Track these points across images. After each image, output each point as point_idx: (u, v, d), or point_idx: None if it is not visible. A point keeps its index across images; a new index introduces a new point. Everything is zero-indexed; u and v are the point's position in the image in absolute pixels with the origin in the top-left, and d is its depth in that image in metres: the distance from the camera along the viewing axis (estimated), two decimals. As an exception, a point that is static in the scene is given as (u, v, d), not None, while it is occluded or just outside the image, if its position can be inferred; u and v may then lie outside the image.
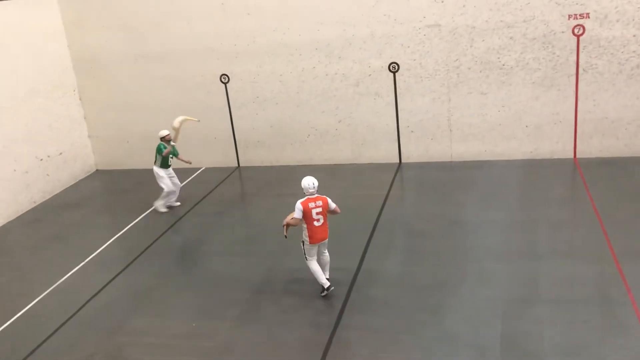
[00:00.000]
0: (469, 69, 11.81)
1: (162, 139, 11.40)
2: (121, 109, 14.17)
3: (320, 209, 7.81)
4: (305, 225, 7.84)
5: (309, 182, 7.88)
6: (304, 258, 8.06)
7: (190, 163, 12.06)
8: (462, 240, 9.18)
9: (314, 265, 7.98)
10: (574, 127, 11.70)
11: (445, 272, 8.32)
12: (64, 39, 13.93)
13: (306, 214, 7.75)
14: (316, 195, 7.89)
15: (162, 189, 11.49)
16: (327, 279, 8.07)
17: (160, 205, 11.67)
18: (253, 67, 12.99)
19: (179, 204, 11.88)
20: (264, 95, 13.14)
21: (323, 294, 7.99)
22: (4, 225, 12.03)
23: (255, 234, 10.43)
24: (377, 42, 12.12)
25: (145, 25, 13.35)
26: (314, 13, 12.25)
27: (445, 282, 8.10)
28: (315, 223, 7.80)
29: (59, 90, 13.78)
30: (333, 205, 7.98)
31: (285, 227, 8.03)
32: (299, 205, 7.74)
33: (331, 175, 12.50)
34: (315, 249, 7.94)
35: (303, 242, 7.98)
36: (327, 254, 8.17)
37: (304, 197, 7.84)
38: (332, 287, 8.02)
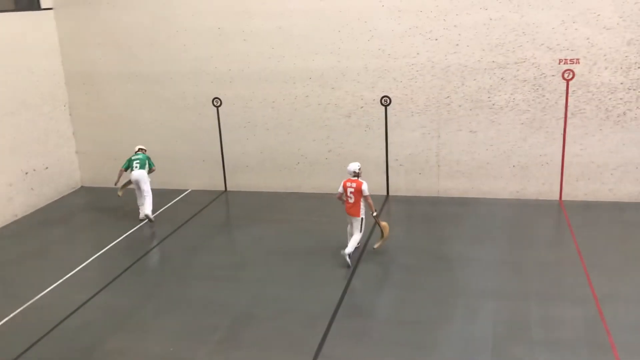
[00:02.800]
0: (460, 106, 11.97)
1: (142, 150, 12.30)
2: (111, 126, 14.13)
3: (352, 189, 9.47)
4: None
5: (351, 166, 9.71)
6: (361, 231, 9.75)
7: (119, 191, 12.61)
8: (448, 277, 9.17)
9: (348, 228, 9.84)
10: (560, 170, 11.85)
11: (431, 308, 8.29)
12: (59, 54, 13.94)
13: (344, 191, 9.56)
14: (354, 178, 9.52)
15: (146, 195, 11.88)
16: (349, 253, 9.49)
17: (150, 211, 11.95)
18: (246, 92, 13.05)
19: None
20: (256, 120, 13.18)
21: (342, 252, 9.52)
22: (-16, 238, 11.84)
23: (239, 260, 10.34)
24: (371, 75, 12.26)
25: (140, 45, 13.40)
26: (309, 43, 12.40)
27: (430, 318, 8.06)
28: (349, 199, 9.53)
29: (50, 105, 13.73)
30: (366, 192, 9.42)
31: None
32: (341, 183, 9.57)
33: (319, 204, 12.49)
34: (349, 220, 9.70)
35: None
36: (356, 233, 9.64)
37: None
38: (348, 257, 9.45)
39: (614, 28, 10.90)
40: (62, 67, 14.02)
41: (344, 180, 9.63)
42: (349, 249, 9.53)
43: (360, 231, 9.69)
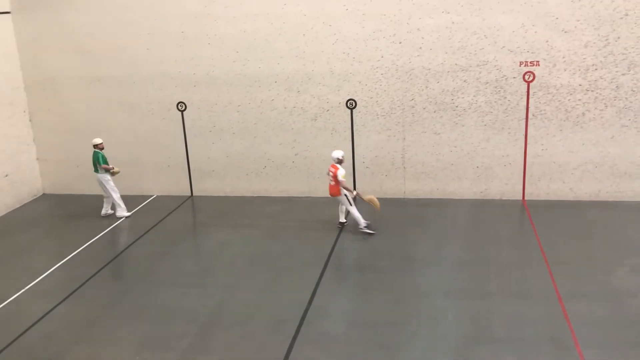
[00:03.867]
0: (424, 109, 12.10)
1: (96, 146, 12.25)
2: (73, 132, 13.86)
3: (332, 174, 10.84)
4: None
5: (334, 153, 10.93)
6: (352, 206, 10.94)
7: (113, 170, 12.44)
8: (414, 277, 9.25)
9: (339, 207, 11.27)
10: (523, 170, 12.07)
11: (397, 309, 8.35)
12: (17, 59, 13.62)
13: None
14: (334, 164, 10.83)
15: (111, 195, 12.27)
16: (365, 225, 10.88)
17: (122, 209, 12.39)
18: (211, 97, 12.96)
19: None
20: (221, 124, 13.10)
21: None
22: (-60, 248, 11.48)
23: (207, 266, 10.24)
24: (336, 79, 12.30)
25: (102, 49, 13.19)
26: (274, 47, 12.38)
27: (396, 319, 8.11)
28: (330, 182, 10.92)
29: (8, 111, 13.40)
30: (339, 178, 10.66)
31: None
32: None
33: (286, 208, 12.47)
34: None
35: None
36: (349, 209, 10.94)
37: None
38: (366, 229, 10.82)
39: (571, 31, 11.16)
40: (20, 72, 13.70)
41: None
42: (361, 225, 10.89)
43: (351, 205, 10.91)
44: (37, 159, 14.24)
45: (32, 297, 9.35)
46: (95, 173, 12.26)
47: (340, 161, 10.87)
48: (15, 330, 8.30)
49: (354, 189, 12.01)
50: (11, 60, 13.50)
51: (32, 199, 14.05)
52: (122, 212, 12.45)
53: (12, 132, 13.48)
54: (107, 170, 12.17)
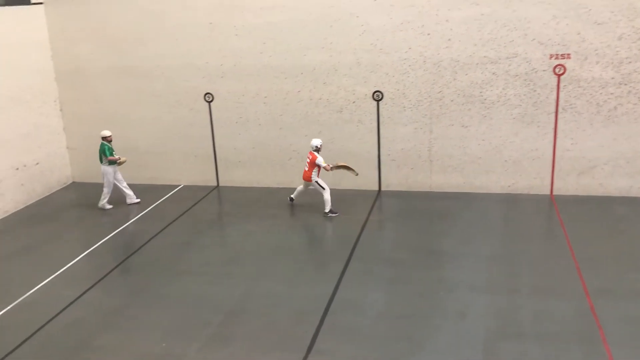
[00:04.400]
0: (452, 101, 11.97)
1: (104, 139, 12.45)
2: (101, 122, 14.02)
3: (308, 160, 11.66)
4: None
5: (313, 141, 11.67)
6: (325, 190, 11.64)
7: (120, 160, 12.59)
8: (439, 271, 9.18)
9: (300, 187, 12.12)
10: (551, 164, 11.88)
11: (422, 302, 8.30)
12: (49, 49, 13.84)
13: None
14: (312, 152, 11.55)
15: (104, 188, 12.57)
16: (328, 210, 11.61)
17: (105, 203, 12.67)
18: (238, 88, 13.00)
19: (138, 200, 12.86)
20: (248, 115, 13.14)
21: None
22: (-27, 234, 11.77)
23: (232, 256, 10.31)
24: (363, 70, 12.24)
25: (131, 40, 13.32)
26: (301, 38, 12.35)
27: (421, 312, 8.07)
28: (305, 167, 11.74)
29: (40, 100, 13.63)
30: (321, 164, 11.46)
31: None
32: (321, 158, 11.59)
33: (310, 200, 12.48)
34: (304, 184, 11.98)
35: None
36: (322, 193, 11.66)
37: None
38: (331, 213, 11.56)
39: (605, 23, 10.91)
40: (52, 62, 13.93)
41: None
42: (326, 208, 11.59)
43: (323, 189, 11.62)
44: (67, 147, 14.47)
45: (60, 284, 9.53)
46: (100, 164, 12.53)
47: (318, 149, 11.53)
48: (44, 316, 8.47)
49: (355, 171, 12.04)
50: (43, 51, 13.72)
51: (62, 187, 14.29)
52: (132, 199, 12.86)
53: (43, 122, 13.72)
54: (114, 162, 12.39)
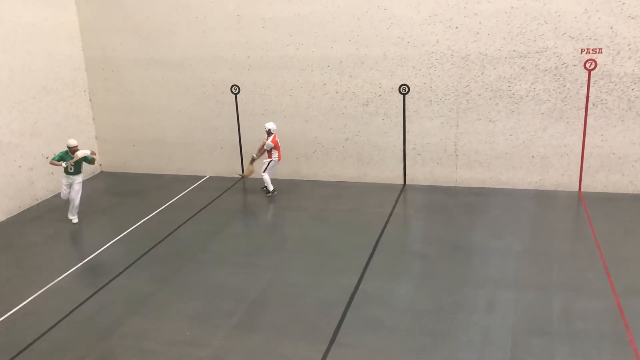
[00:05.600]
0: (479, 95, 11.85)
1: (70, 148, 11.22)
2: (130, 112, 14.24)
3: (261, 143, 12.59)
4: (276, 151, 12.46)
5: (266, 124, 12.38)
6: (265, 172, 12.47)
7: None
8: (464, 266, 9.13)
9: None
10: (580, 161, 11.71)
11: (446, 297, 8.27)
12: (79, 40, 14.05)
13: (276, 145, 12.41)
14: (267, 135, 12.36)
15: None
16: (266, 189, 12.62)
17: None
18: (264, 80, 13.06)
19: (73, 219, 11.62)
20: (273, 108, 13.19)
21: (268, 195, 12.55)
22: (5, 221, 12.02)
23: (256, 246, 10.39)
24: (389, 63, 12.18)
25: (160, 31, 13.45)
26: (327, 30, 12.34)
27: (446, 307, 8.04)
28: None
29: (70, 90, 13.86)
30: (264, 144, 12.34)
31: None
32: (270, 143, 12.28)
33: (335, 192, 12.50)
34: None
35: (271, 161, 12.49)
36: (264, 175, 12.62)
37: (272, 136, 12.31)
38: (268, 193, 12.56)
39: (639, 17, 10.69)
40: (82, 52, 14.14)
41: (272, 139, 12.30)
42: (267, 188, 12.61)
43: (264, 171, 12.48)
44: (96, 137, 14.69)
45: (89, 270, 9.72)
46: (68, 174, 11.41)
47: (268, 133, 12.27)
48: (72, 301, 8.65)
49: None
50: (74, 41, 13.93)
51: (90, 176, 14.52)
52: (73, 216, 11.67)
53: (73, 111, 13.95)
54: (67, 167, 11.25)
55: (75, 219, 11.66)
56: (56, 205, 12.70)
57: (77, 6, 13.90)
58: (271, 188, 12.52)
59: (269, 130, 12.26)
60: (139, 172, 14.40)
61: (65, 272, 9.59)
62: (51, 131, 13.26)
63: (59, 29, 13.47)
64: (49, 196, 13.20)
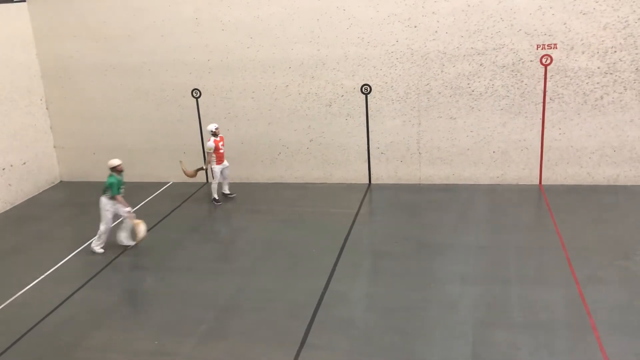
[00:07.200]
0: (440, 93, 12.00)
1: (113, 169, 10.22)
2: (89, 120, 13.95)
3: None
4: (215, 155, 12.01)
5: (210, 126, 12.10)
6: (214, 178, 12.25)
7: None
8: (430, 263, 9.23)
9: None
10: (540, 154, 11.95)
11: (414, 295, 8.35)
12: (33, 47, 13.70)
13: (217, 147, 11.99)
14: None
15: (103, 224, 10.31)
16: (226, 193, 12.58)
17: (98, 245, 10.37)
18: (226, 83, 12.96)
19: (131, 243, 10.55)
20: (236, 111, 13.10)
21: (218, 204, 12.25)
22: (-39, 235, 11.65)
23: (224, 252, 10.31)
24: (350, 64, 12.23)
25: (117, 37, 13.22)
26: (287, 32, 12.32)
27: (413, 304, 8.11)
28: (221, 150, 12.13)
29: (26, 99, 13.51)
30: (207, 148, 12.05)
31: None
32: (212, 143, 11.92)
33: (301, 194, 12.48)
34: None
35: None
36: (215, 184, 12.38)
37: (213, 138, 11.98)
38: (228, 195, 12.53)
39: (590, 13, 10.98)
40: (37, 60, 13.80)
41: (215, 140, 12.01)
42: (214, 195, 12.36)
43: (214, 178, 12.24)
44: (54, 146, 14.36)
45: (51, 283, 9.48)
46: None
47: (212, 134, 11.93)
48: (36, 315, 8.43)
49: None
50: (28, 49, 13.59)
51: (50, 186, 14.19)
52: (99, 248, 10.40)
53: (29, 120, 13.60)
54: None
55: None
56: (15, 217, 12.39)
57: (29, 13, 13.55)
58: (216, 197, 12.26)
59: (213, 131, 11.96)
60: (100, 181, 14.02)
61: (27, 286, 9.34)
62: (7, 142, 12.90)
63: (11, 37, 13.11)
64: (7, 208, 12.85)
